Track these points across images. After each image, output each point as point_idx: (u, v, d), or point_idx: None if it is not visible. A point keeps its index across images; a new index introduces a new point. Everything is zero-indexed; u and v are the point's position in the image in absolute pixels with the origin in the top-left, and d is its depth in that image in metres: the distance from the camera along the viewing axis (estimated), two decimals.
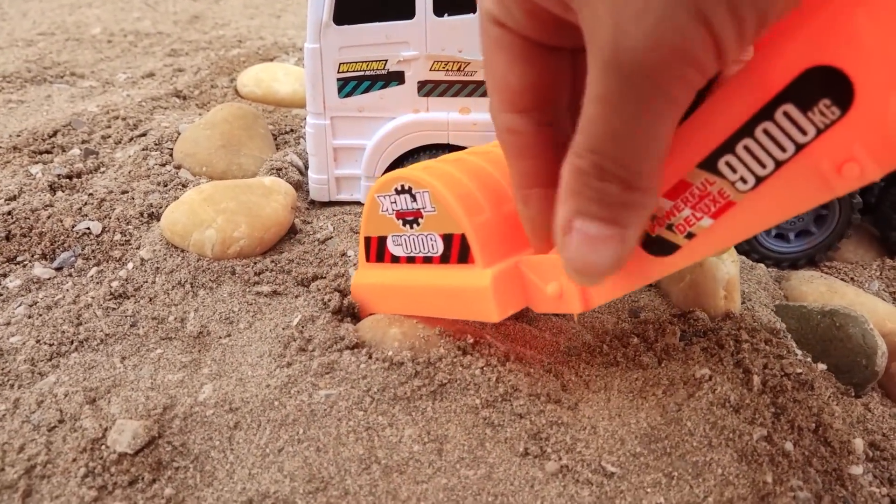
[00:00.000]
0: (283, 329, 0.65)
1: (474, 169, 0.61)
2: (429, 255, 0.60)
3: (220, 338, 0.65)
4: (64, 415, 0.56)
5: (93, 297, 0.67)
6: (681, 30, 0.30)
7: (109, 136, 0.99)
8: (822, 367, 0.64)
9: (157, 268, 0.71)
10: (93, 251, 0.74)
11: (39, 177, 0.86)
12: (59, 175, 0.87)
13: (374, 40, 0.76)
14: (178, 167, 0.88)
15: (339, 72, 0.78)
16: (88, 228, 0.75)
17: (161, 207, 0.79)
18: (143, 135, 0.97)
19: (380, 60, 0.77)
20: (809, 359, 0.65)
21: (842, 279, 0.82)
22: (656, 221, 0.44)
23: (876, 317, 0.72)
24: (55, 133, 1.01)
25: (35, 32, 1.51)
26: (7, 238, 0.74)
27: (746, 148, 0.38)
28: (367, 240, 0.65)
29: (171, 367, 0.61)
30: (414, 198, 0.59)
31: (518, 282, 0.55)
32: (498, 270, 0.54)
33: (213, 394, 0.58)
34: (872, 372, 0.66)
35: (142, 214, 0.78)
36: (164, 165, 0.88)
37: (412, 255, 0.62)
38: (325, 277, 0.72)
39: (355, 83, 0.79)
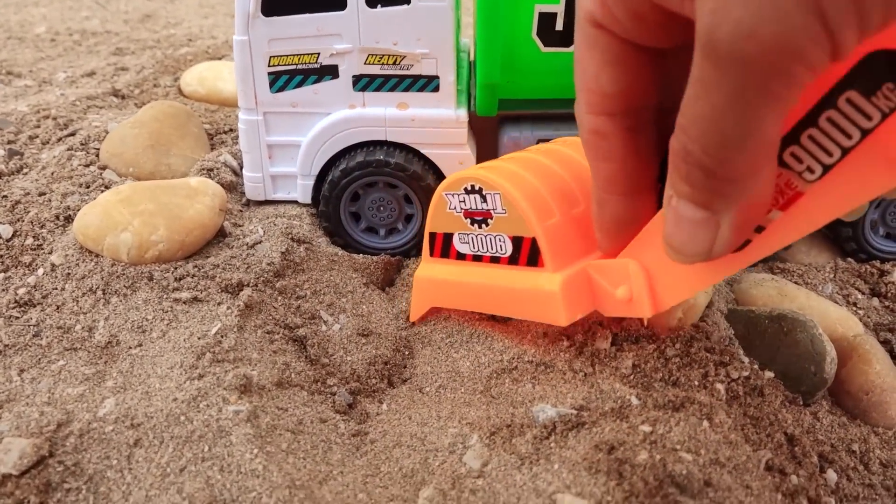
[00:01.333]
0: (199, 339, 0.61)
1: (543, 170, 0.61)
2: (497, 255, 0.61)
3: (130, 348, 0.61)
4: None
5: None
6: (787, 20, 0.27)
7: (37, 137, 0.95)
8: (769, 374, 0.61)
9: (68, 274, 0.66)
10: (1, 256, 0.69)
11: None
12: None
13: (305, 32, 0.72)
14: (104, 168, 0.83)
15: (269, 65, 0.74)
16: None
17: (78, 210, 0.74)
18: (73, 135, 0.92)
19: (312, 53, 0.73)
20: (756, 366, 0.62)
21: (794, 282, 0.79)
22: None
23: (827, 321, 0.69)
24: None
25: None
26: None
27: (811, 138, 0.37)
28: (432, 235, 0.65)
29: (73, 379, 0.57)
30: (484, 198, 0.59)
31: (586, 286, 0.56)
32: (567, 275, 0.55)
33: (115, 408, 0.54)
34: (821, 379, 0.63)
35: (58, 217, 0.73)
36: (88, 166, 0.83)
37: (479, 253, 0.62)
38: (250, 285, 0.68)
39: (287, 77, 0.75)
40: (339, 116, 0.76)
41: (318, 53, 0.73)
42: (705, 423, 0.50)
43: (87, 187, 0.79)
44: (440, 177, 0.78)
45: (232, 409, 0.54)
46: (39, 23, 1.54)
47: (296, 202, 0.82)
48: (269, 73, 0.75)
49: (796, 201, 0.40)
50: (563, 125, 0.78)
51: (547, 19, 0.71)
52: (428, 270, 0.67)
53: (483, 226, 0.61)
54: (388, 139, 0.76)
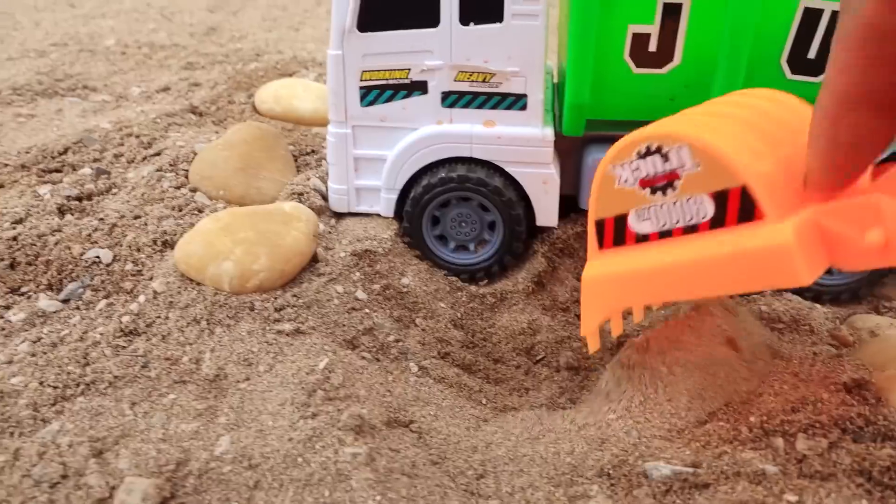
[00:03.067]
0: (307, 374, 0.60)
1: (729, 116, 0.52)
2: (693, 222, 0.51)
3: (238, 381, 0.60)
4: (68, 469, 0.51)
5: (101, 334, 0.62)
6: None
7: (122, 155, 0.95)
8: None
9: (171, 302, 0.66)
10: (102, 282, 0.69)
11: (48, 198, 0.82)
12: (68, 196, 0.82)
13: (398, 48, 0.74)
14: (194, 190, 0.83)
15: (361, 80, 0.75)
16: (98, 257, 0.71)
17: (175, 234, 0.74)
18: (158, 154, 0.92)
19: (403, 69, 0.74)
20: None
21: None
22: None
23: None
24: (66, 150, 0.96)
25: (48, 43, 1.47)
26: (11, 266, 0.70)
27: None
28: (600, 224, 0.56)
29: (185, 415, 0.56)
30: (666, 157, 0.51)
31: (819, 236, 0.46)
32: (799, 221, 0.45)
33: (231, 447, 0.53)
34: None
35: (155, 242, 0.73)
36: (179, 188, 0.83)
37: (667, 228, 0.52)
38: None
39: (378, 92, 0.76)
40: (427, 132, 0.76)
41: (409, 69, 0.74)
42: (864, 502, 0.47)
43: (180, 210, 0.79)
44: (521, 194, 0.78)
45: (349, 452, 0.53)
46: (108, 35, 1.55)
47: (378, 215, 0.83)
48: (361, 88, 0.76)
49: None
50: None
51: (640, 40, 0.70)
52: (598, 268, 0.57)
53: (669, 191, 0.51)
54: (473, 156, 0.76)
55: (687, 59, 0.70)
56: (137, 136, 0.99)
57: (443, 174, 0.77)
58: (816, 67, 0.70)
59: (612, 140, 0.76)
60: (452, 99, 0.75)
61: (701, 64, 0.70)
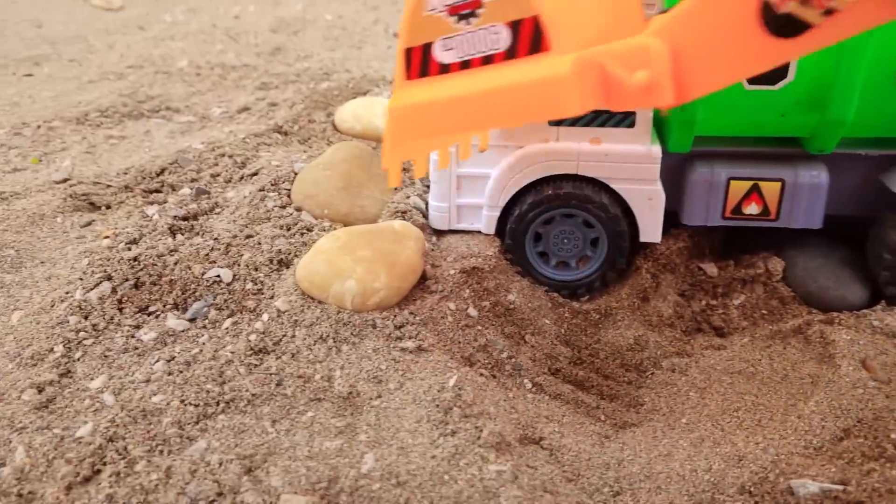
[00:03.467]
0: (439, 391, 0.60)
1: None
2: (489, 52, 0.53)
3: (371, 399, 0.61)
4: (222, 487, 0.52)
5: (232, 353, 0.64)
6: None
7: (218, 175, 0.97)
8: None
9: (296, 320, 0.67)
10: (225, 301, 0.70)
11: (157, 218, 0.84)
12: (175, 216, 0.84)
13: None
14: (299, 209, 0.84)
15: None
16: (219, 276, 0.72)
17: (289, 254, 0.75)
18: (255, 174, 0.94)
19: None
20: None
21: None
22: None
23: None
24: (163, 171, 0.98)
25: (124, 66, 1.51)
26: (136, 286, 0.71)
27: None
28: (408, 52, 0.56)
29: (327, 432, 0.57)
30: None
31: (600, 76, 0.48)
32: (579, 56, 0.48)
33: (376, 464, 0.54)
34: None
35: (271, 261, 0.74)
36: (283, 207, 0.85)
37: (468, 57, 0.54)
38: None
39: None
40: (532, 149, 0.76)
41: None
42: None
43: (289, 229, 0.80)
44: (627, 211, 0.78)
45: (494, 469, 0.53)
46: (180, 56, 1.58)
47: (477, 234, 0.83)
48: None
49: None
50: (757, 164, 0.76)
51: None
52: (404, 98, 0.56)
53: (472, 19, 0.52)
54: (580, 173, 0.76)
55: (800, 77, 0.70)
56: (230, 156, 1.02)
57: (549, 191, 0.77)
58: None
59: (718, 156, 0.77)
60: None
61: (814, 81, 0.70)
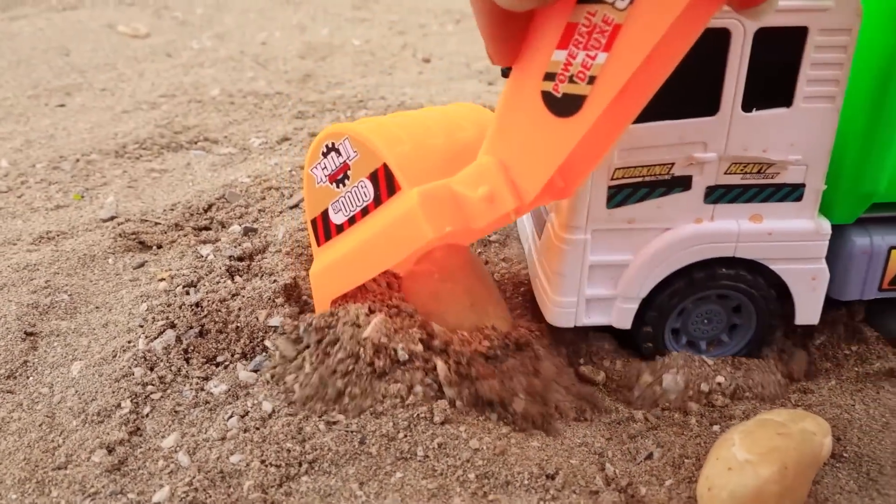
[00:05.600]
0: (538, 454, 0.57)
1: (397, 115, 0.65)
2: (364, 204, 0.60)
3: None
4: None
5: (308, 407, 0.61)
6: None
7: (265, 210, 0.94)
8: None
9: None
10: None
11: (212, 259, 0.81)
12: (231, 256, 0.81)
13: (664, 141, 0.61)
14: None
15: (612, 178, 0.62)
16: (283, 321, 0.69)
17: None
18: (296, 205, 0.91)
19: (665, 164, 0.62)
20: None
21: None
22: (557, 79, 0.45)
23: None
24: (210, 207, 0.96)
25: (156, 95, 1.49)
26: (201, 334, 0.68)
27: None
28: (313, 222, 0.65)
29: (418, 495, 0.54)
30: (338, 151, 0.60)
31: (451, 200, 0.53)
32: (425, 187, 0.54)
33: None
34: None
35: None
36: None
37: (352, 213, 0.62)
38: None
39: (630, 191, 0.63)
40: (685, 232, 0.65)
41: (674, 163, 0.62)
42: None
43: None
44: (782, 292, 0.69)
45: None
46: (211, 84, 1.57)
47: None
48: (611, 188, 0.62)
49: (617, 35, 0.40)
50: None
51: None
52: (319, 263, 0.65)
53: (346, 181, 0.61)
54: (737, 255, 0.66)
55: None
56: (278, 189, 0.99)
57: (700, 275, 0.67)
58: None
59: (870, 222, 0.69)
60: (718, 194, 0.64)
61: None
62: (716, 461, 0.56)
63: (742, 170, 0.62)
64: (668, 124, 0.60)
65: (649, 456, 0.61)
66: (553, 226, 0.68)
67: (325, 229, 0.64)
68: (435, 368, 0.61)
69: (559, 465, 0.57)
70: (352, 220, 0.62)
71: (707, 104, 0.60)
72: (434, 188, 0.53)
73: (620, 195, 0.63)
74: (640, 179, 0.62)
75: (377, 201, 0.59)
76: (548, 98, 0.45)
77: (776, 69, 0.59)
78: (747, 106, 0.60)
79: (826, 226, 0.65)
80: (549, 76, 0.45)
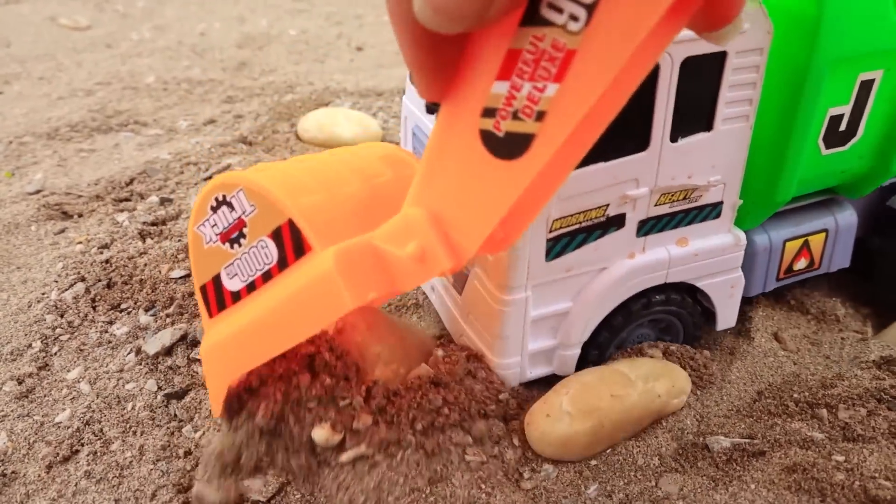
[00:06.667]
0: None
1: (301, 159, 0.54)
2: (266, 268, 0.49)
3: None
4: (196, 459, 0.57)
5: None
6: None
7: (182, 182, 1.02)
8: None
9: None
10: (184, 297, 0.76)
11: (127, 224, 0.89)
12: (144, 222, 0.89)
13: (600, 183, 0.58)
14: None
15: (550, 231, 0.59)
16: (186, 275, 0.77)
17: None
18: (210, 177, 0.99)
19: (601, 206, 0.60)
20: None
21: None
22: (498, 116, 0.37)
23: None
24: (132, 181, 1.03)
25: (93, 82, 1.55)
26: (108, 286, 0.76)
27: None
28: (203, 290, 0.53)
29: None
30: (231, 205, 0.49)
31: (374, 260, 0.43)
32: (341, 247, 0.43)
33: None
34: None
35: None
36: None
37: (251, 279, 0.50)
38: None
39: (567, 239, 0.60)
40: (621, 270, 0.63)
41: (608, 204, 0.60)
42: None
43: None
44: (705, 309, 0.70)
45: None
46: (147, 73, 1.63)
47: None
48: (549, 240, 0.59)
49: (571, 63, 0.34)
50: (801, 220, 0.73)
51: (835, 122, 0.65)
52: (212, 336, 0.52)
53: (242, 241, 0.49)
54: (668, 281, 0.65)
55: (867, 133, 0.68)
56: (196, 164, 1.07)
57: (636, 306, 0.66)
58: None
59: (771, 218, 0.70)
60: (649, 226, 0.62)
61: (877, 136, 0.68)
62: (544, 403, 0.60)
63: (670, 199, 0.62)
64: (603, 166, 0.57)
65: None
66: (486, 285, 0.62)
67: (217, 298, 0.52)
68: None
69: None
70: (251, 287, 0.50)
71: (638, 140, 0.58)
72: (352, 247, 0.43)
73: (559, 245, 0.60)
74: (577, 226, 0.60)
75: (282, 264, 0.48)
76: (487, 137, 0.38)
77: (699, 96, 0.58)
78: (674, 136, 0.59)
79: (742, 236, 0.67)
80: (489, 112, 0.37)
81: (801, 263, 0.74)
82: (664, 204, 0.62)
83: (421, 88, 0.39)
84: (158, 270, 0.78)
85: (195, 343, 0.68)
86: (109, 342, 0.70)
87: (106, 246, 0.84)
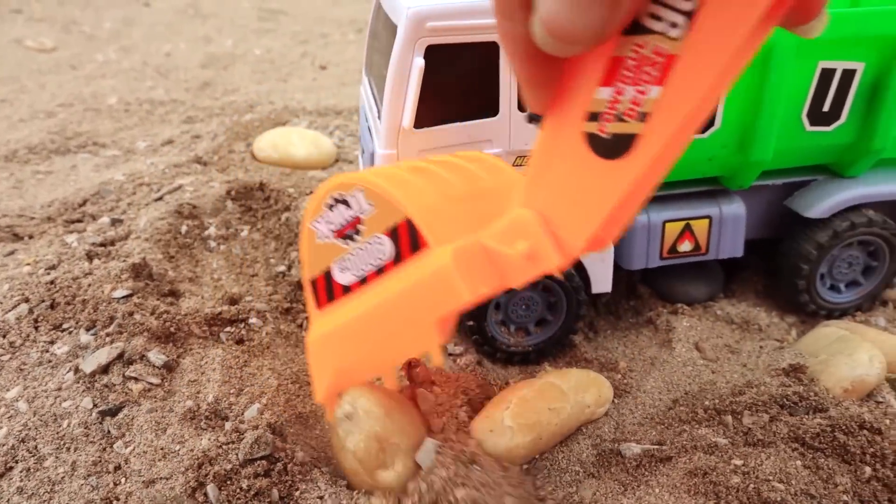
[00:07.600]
0: None
1: (409, 164, 0.59)
2: (380, 263, 0.53)
3: None
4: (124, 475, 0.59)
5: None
6: None
7: (134, 203, 1.04)
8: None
9: None
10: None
11: (75, 245, 0.91)
12: (93, 243, 0.91)
13: (456, 141, 0.68)
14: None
15: None
16: (127, 295, 0.79)
17: None
18: (160, 198, 1.02)
19: None
20: None
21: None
22: (603, 119, 0.39)
23: None
24: (85, 202, 1.05)
25: (55, 104, 1.57)
26: (52, 307, 0.78)
27: None
28: (313, 283, 0.58)
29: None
30: (348, 204, 0.53)
31: (485, 258, 0.47)
32: (457, 245, 0.48)
33: None
34: None
35: None
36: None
37: (364, 273, 0.54)
38: None
39: None
40: None
41: None
42: (798, 462, 0.56)
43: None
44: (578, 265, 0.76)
45: None
46: (110, 94, 1.65)
47: None
48: None
49: (672, 67, 0.36)
50: (686, 204, 0.78)
51: None
52: (319, 327, 0.57)
53: (357, 237, 0.54)
54: None
55: (726, 124, 0.73)
56: (149, 185, 1.09)
57: None
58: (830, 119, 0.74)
59: (653, 199, 0.77)
60: None
61: (738, 127, 0.73)
62: (486, 419, 0.63)
63: (525, 162, 0.69)
64: (460, 126, 0.68)
65: None
66: None
67: (327, 290, 0.57)
68: None
69: None
70: (363, 281, 0.55)
71: (489, 107, 0.68)
72: (467, 245, 0.48)
73: None
74: None
75: (397, 259, 0.52)
76: (593, 140, 0.40)
77: None
78: (520, 106, 0.68)
79: None
80: (593, 116, 0.39)
81: (686, 246, 0.79)
82: (520, 166, 0.69)
83: (531, 102, 0.42)
84: (102, 290, 0.80)
85: (131, 361, 0.70)
86: (49, 361, 0.72)
87: (53, 267, 0.85)
